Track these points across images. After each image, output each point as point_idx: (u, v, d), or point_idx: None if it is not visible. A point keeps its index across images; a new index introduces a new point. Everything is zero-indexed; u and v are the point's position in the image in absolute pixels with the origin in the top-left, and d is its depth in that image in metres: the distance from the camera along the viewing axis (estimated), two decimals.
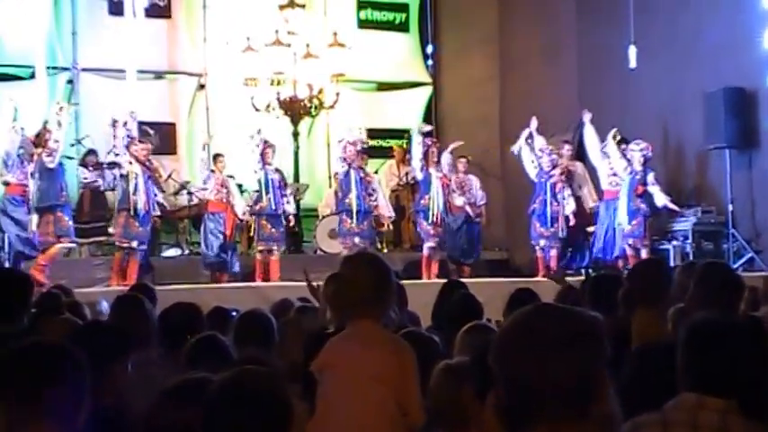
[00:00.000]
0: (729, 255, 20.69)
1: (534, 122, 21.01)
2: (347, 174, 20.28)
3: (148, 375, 6.91)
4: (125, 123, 18.76)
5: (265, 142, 20.04)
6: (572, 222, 20.85)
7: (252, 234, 20.53)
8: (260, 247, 19.84)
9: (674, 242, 21.27)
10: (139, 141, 18.82)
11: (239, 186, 21.50)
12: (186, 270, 20.17)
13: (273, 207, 19.76)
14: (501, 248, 22.88)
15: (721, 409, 4.74)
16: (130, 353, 6.23)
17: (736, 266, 19.95)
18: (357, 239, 19.91)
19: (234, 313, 9.04)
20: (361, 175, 20.34)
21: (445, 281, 12.42)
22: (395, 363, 6.30)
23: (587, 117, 20.86)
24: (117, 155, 18.91)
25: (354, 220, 20.01)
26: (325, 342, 6.60)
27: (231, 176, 20.59)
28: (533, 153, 20.76)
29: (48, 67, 22.38)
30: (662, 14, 22.12)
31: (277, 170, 20.45)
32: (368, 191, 20.41)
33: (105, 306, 11.38)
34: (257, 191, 20.14)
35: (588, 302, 8.39)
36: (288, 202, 20.25)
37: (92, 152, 21.70)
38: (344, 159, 20.48)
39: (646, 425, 4.71)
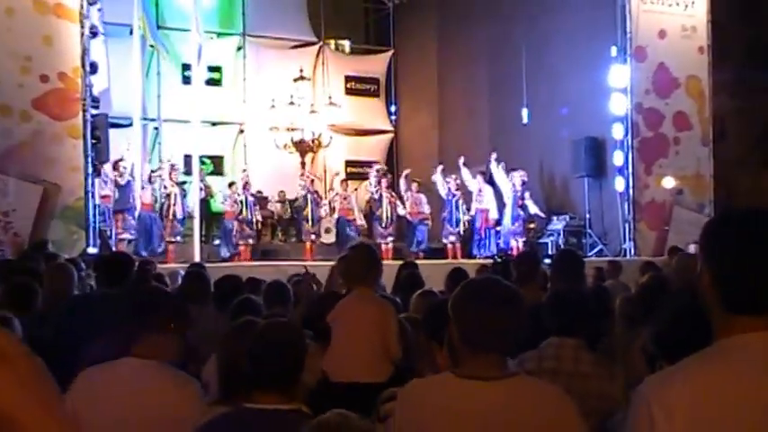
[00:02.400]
0: (587, 246, 20.97)
1: (462, 159, 21.60)
2: (305, 196, 21.31)
3: (207, 321, 7.12)
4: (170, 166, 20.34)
5: (246, 176, 21.25)
6: (465, 226, 21.60)
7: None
8: (241, 242, 20.56)
9: (551, 237, 21.55)
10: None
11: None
12: None
13: (250, 218, 20.63)
14: (438, 240, 22.98)
15: (575, 346, 4.95)
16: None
17: (590, 254, 20.27)
18: (313, 237, 21.10)
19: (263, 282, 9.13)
20: (314, 197, 21.42)
21: (401, 262, 12.50)
22: (382, 315, 6.54)
23: (493, 157, 21.28)
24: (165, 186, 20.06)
25: (310, 225, 21.05)
26: (337, 302, 6.84)
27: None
28: (444, 179, 21.60)
29: (142, 118, 22.45)
30: (544, 87, 22.23)
31: (252, 194, 21.12)
32: (319, 206, 21.47)
33: (180, 275, 11.56)
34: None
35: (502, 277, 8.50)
36: (257, 213, 21.18)
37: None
38: (305, 187, 21.57)
39: (527, 359, 4.91)
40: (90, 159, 17.33)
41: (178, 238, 19.74)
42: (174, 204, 19.65)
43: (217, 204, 21.83)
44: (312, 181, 21.92)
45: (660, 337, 3.64)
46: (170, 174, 19.97)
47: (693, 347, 2.32)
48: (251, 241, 20.73)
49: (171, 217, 19.53)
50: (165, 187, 19.87)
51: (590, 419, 4.34)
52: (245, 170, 22.04)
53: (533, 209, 21.05)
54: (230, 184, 21.28)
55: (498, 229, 21.42)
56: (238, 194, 20.66)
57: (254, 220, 20.91)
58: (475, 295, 3.38)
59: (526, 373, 4.54)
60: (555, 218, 21.94)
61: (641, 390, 2.26)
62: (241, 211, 20.50)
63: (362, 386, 6.13)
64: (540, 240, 21.59)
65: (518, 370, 3.46)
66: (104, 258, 8.59)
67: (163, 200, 20.20)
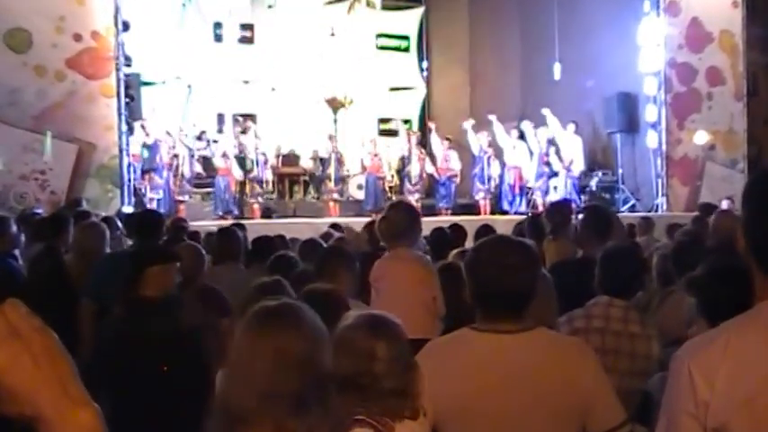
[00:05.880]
0: (619, 202, 20.87)
1: (494, 116, 21.48)
2: (330, 157, 21.42)
3: (237, 275, 7.11)
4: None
5: (255, 135, 21.05)
6: (496, 182, 21.44)
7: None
8: (252, 200, 20.51)
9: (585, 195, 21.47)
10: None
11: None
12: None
13: (260, 176, 20.66)
14: (469, 197, 22.88)
15: (624, 306, 4.89)
16: None
17: (623, 209, 20.17)
18: (336, 195, 21.18)
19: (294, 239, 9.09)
20: (337, 156, 21.48)
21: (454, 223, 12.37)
22: (424, 271, 6.51)
23: (548, 111, 21.20)
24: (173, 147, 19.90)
25: (333, 184, 21.17)
26: (375, 261, 6.79)
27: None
28: (476, 136, 21.51)
29: (174, 77, 22.47)
30: (576, 43, 22.00)
31: (263, 153, 21.02)
32: (342, 165, 21.64)
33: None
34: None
35: (529, 233, 8.41)
36: (268, 172, 21.24)
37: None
38: (331, 149, 21.64)
39: (575, 317, 4.87)
40: (124, 118, 17.38)
41: (186, 197, 20.07)
42: (183, 165, 19.85)
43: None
44: (334, 139, 21.95)
45: (699, 296, 3.55)
46: (179, 137, 20.19)
47: (733, 307, 2.24)
48: (260, 199, 20.74)
49: (180, 177, 19.76)
50: (174, 147, 19.95)
51: (639, 379, 4.29)
52: (252, 131, 21.69)
53: (558, 166, 20.92)
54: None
55: (530, 186, 21.34)
56: (252, 151, 20.61)
57: (264, 179, 20.92)
58: (483, 255, 3.39)
59: (574, 331, 4.65)
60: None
61: (680, 355, 2.18)
62: (251, 169, 20.45)
63: (415, 342, 6.11)
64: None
65: (534, 323, 3.39)
66: (135, 216, 8.62)
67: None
